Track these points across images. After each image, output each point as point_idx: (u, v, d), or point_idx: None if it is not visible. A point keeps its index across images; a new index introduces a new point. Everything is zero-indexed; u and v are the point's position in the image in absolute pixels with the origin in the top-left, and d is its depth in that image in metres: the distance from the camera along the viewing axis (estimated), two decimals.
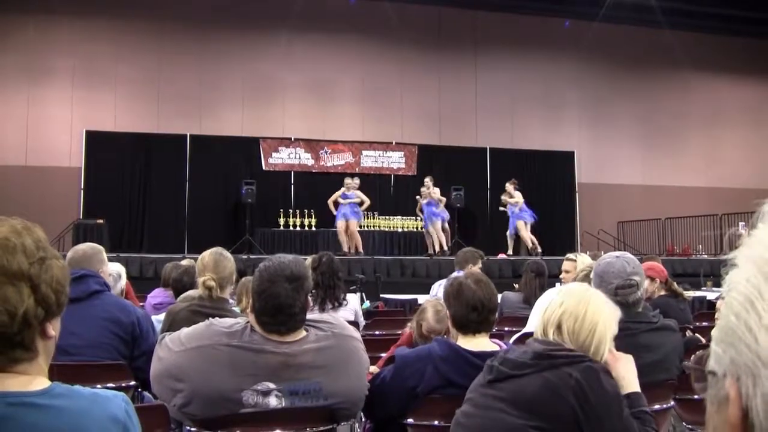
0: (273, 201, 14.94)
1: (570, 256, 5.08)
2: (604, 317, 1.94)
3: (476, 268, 5.49)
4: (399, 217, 15.34)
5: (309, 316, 2.34)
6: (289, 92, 16.10)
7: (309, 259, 4.40)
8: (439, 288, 5.61)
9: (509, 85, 17.16)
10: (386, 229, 14.73)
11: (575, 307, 1.92)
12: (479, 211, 16.08)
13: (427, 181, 13.34)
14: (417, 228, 14.57)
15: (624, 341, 2.68)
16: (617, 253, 3.02)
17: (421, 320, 3.43)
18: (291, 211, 14.55)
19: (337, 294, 4.64)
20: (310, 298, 2.36)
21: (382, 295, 9.05)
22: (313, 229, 14.45)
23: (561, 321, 1.92)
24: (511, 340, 4.00)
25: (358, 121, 16.34)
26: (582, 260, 4.98)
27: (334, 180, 15.61)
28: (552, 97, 17.48)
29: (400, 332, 4.57)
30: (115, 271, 4.27)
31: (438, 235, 12.95)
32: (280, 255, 2.37)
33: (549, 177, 17.12)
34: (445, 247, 12.89)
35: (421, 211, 13.47)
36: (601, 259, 3.00)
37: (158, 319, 3.55)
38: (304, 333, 2.29)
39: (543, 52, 17.35)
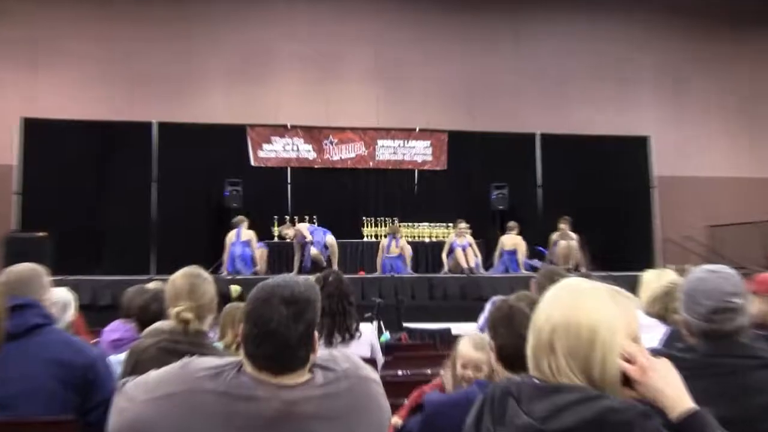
0: (264, 206, 14.97)
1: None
2: (606, 316, 1.85)
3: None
4: (425, 223, 15.36)
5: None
6: (285, 67, 16.16)
7: (311, 279, 4.38)
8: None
9: (562, 55, 17.10)
10: (409, 239, 14.70)
11: (565, 316, 1.86)
12: (528, 214, 15.99)
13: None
14: (447, 235, 14.54)
15: (723, 381, 2.63)
16: (712, 266, 2.95)
17: (455, 357, 3.40)
18: (287, 218, 14.56)
19: (348, 323, 4.62)
20: (316, 333, 2.32)
21: (405, 324, 9.03)
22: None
23: (553, 341, 1.87)
24: None
25: (371, 102, 16.36)
26: (662, 276, 4.91)
27: (341, 178, 15.70)
28: (619, 69, 17.40)
29: (429, 372, 4.53)
30: (60, 299, 4.26)
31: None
32: (283, 275, 2.36)
33: (617, 169, 16.98)
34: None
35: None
36: (691, 274, 2.94)
37: (118, 359, 3.53)
38: (308, 375, 2.26)
39: (605, 11, 17.30)
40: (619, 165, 17.03)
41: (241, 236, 12.89)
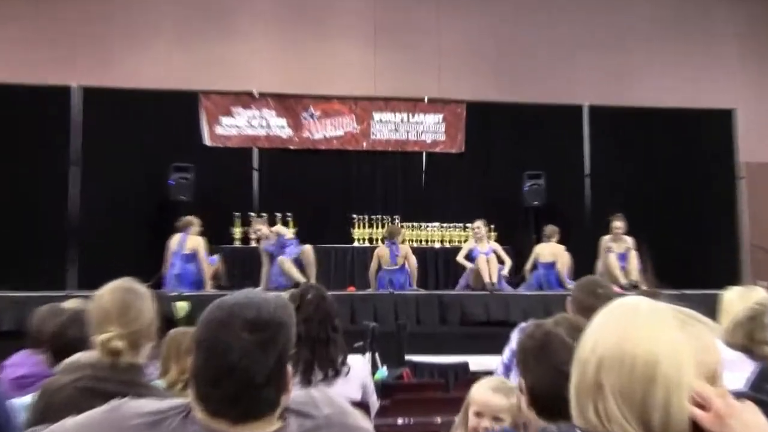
0: (223, 199, 15.01)
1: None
2: (670, 346, 1.82)
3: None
4: (436, 224, 15.33)
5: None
6: (254, 18, 16.15)
7: (285, 296, 4.38)
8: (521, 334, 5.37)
9: (619, 5, 17.10)
10: (415, 245, 14.70)
11: (617, 346, 1.84)
12: (572, 212, 16.00)
13: None
14: (464, 239, 14.52)
15: None
16: None
17: (467, 405, 3.42)
18: (253, 215, 14.52)
19: (332, 355, 4.63)
20: (290, 367, 2.31)
21: (408, 357, 9.04)
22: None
23: (600, 378, 1.85)
24: None
25: (365, 64, 16.36)
26: (747, 295, 4.91)
27: (325, 163, 15.68)
28: (696, 23, 17.41)
29: (438, 420, 4.53)
30: None
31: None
32: (247, 290, 2.33)
33: (691, 153, 16.96)
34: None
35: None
36: None
37: (23, 403, 3.53)
38: (278, 424, 2.25)
39: None
40: (694, 147, 17.02)
41: (185, 246, 12.79)
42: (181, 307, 10.70)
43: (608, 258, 13.72)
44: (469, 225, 14.53)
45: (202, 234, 12.98)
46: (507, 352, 5.20)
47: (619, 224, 13.87)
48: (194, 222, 12.96)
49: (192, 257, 12.75)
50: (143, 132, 15.16)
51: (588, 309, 4.85)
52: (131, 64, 15.52)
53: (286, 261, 12.44)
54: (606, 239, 13.96)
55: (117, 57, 15.53)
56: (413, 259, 13.45)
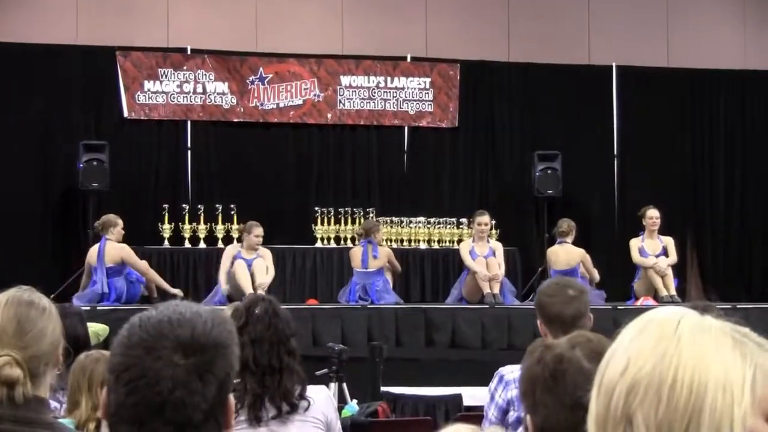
0: (147, 186, 15.01)
1: None
2: (720, 372, 1.84)
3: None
4: (421, 219, 15.27)
5: None
6: None
7: (228, 311, 4.41)
8: (504, 387, 5.29)
9: None
10: (394, 245, 14.64)
11: (653, 368, 1.84)
12: (596, 205, 16.04)
13: None
14: (458, 239, 14.53)
15: None
16: None
17: None
18: (188, 207, 14.49)
19: (286, 386, 4.63)
20: (233, 398, 2.33)
21: (385, 389, 9.07)
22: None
23: (630, 407, 1.85)
24: None
25: (331, 13, 16.33)
26: None
27: (279, 140, 15.65)
28: None
29: None
30: None
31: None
32: (173, 303, 2.31)
33: (752, 127, 16.93)
34: None
35: None
36: None
37: None
38: None
39: None
40: (756, 121, 17.07)
41: (105, 255, 12.65)
42: (95, 333, 10.54)
43: (646, 264, 13.50)
44: (463, 220, 14.55)
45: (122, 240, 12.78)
46: (493, 409, 5.10)
47: (650, 214, 13.66)
48: (117, 223, 12.78)
49: (117, 270, 12.63)
50: (42, 101, 15.11)
51: (563, 323, 4.89)
52: (26, 12, 15.46)
53: (241, 265, 12.53)
54: (636, 242, 13.75)
55: (7, 3, 15.48)
56: (398, 267, 13.42)
